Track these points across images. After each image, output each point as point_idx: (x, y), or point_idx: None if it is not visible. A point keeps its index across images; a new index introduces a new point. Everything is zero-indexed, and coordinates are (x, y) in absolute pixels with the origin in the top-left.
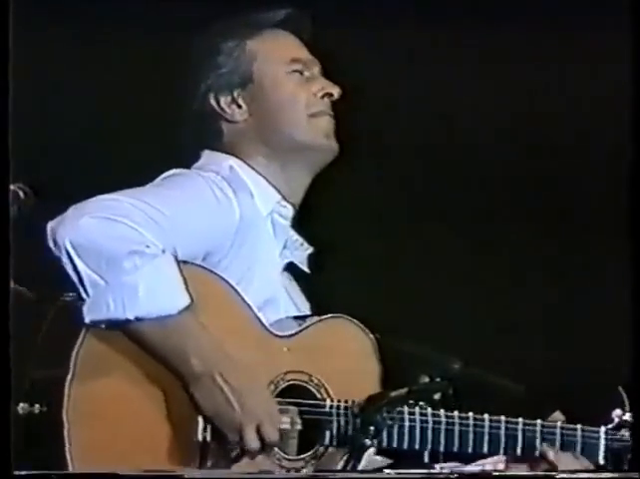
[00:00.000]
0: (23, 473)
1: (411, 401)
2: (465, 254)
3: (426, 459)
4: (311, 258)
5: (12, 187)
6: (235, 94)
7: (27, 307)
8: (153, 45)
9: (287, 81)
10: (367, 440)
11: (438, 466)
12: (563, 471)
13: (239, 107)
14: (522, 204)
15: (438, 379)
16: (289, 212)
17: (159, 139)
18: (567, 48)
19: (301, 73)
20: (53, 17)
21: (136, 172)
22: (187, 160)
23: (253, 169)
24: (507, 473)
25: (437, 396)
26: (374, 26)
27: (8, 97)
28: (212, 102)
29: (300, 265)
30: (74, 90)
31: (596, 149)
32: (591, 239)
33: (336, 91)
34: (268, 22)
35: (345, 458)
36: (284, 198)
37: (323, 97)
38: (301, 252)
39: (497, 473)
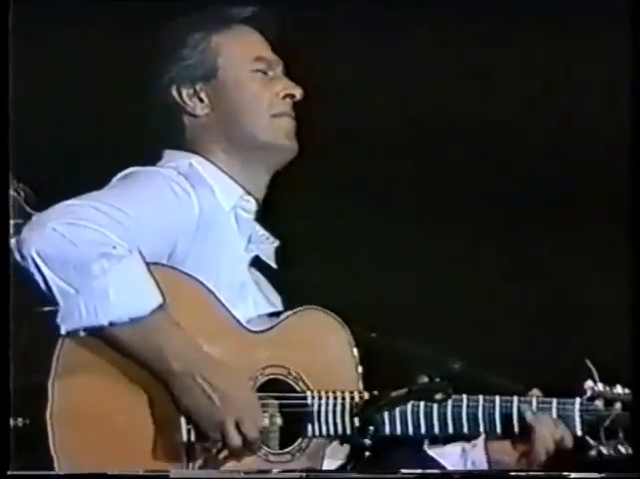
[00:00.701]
0: (17, 473)
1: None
2: (454, 251)
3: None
4: (282, 253)
5: (12, 187)
6: (197, 87)
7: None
8: (149, 40)
9: (250, 80)
10: (366, 440)
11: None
12: (564, 471)
13: (201, 101)
14: (522, 202)
15: (437, 379)
16: (252, 206)
17: (158, 137)
18: (566, 36)
19: (264, 72)
20: (53, 17)
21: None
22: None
23: (214, 164)
24: (508, 473)
25: (437, 396)
26: (338, 25)
27: (8, 97)
28: (174, 93)
29: (267, 260)
30: (74, 90)
31: (596, 145)
32: (590, 237)
33: (298, 92)
34: (235, 18)
35: (329, 449)
36: (247, 192)
37: (285, 97)
38: (267, 246)
39: (496, 472)
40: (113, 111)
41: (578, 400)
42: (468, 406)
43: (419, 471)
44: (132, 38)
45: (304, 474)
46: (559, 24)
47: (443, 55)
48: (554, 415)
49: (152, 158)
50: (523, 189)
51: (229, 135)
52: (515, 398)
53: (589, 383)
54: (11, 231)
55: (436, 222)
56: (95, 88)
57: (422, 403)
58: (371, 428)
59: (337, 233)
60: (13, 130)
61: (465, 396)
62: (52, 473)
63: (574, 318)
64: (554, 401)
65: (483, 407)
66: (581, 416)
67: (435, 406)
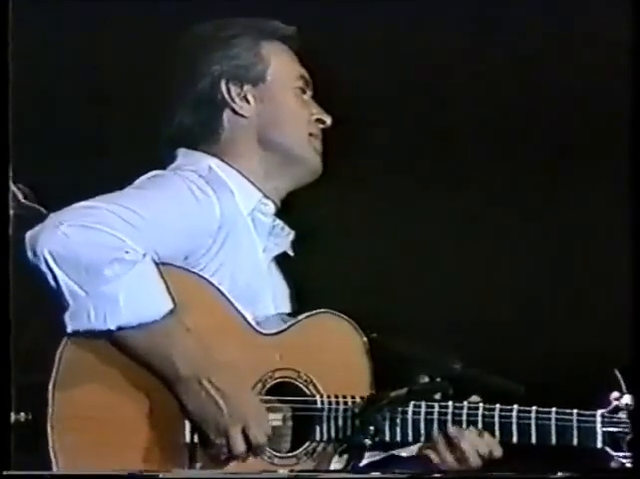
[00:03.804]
0: (15, 473)
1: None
2: (456, 250)
3: None
4: (302, 257)
5: (12, 187)
6: (245, 88)
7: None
8: (154, 41)
9: (294, 95)
10: (367, 440)
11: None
12: (565, 472)
13: (247, 102)
14: (522, 202)
15: (438, 379)
16: (271, 209)
17: (159, 137)
18: None
19: (303, 92)
20: (53, 16)
21: (136, 171)
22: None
23: (233, 168)
24: (504, 473)
25: (437, 396)
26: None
27: (8, 97)
28: (223, 88)
29: (287, 250)
30: (74, 90)
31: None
32: (591, 234)
33: (328, 119)
34: (278, 33)
35: (338, 454)
36: (265, 196)
37: (316, 121)
38: (283, 239)
39: (492, 473)
40: (114, 110)
41: (600, 412)
42: (473, 414)
43: (418, 471)
44: (132, 36)
45: (302, 474)
46: None
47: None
48: (574, 426)
49: (163, 156)
50: (522, 185)
51: (266, 142)
52: (534, 409)
53: (615, 394)
54: (10, 230)
55: (436, 222)
56: (95, 87)
57: (409, 411)
58: (371, 428)
59: (338, 232)
60: (13, 130)
61: (465, 404)
62: (49, 473)
63: (573, 306)
64: (574, 413)
65: (501, 416)
66: (603, 428)
67: (422, 414)
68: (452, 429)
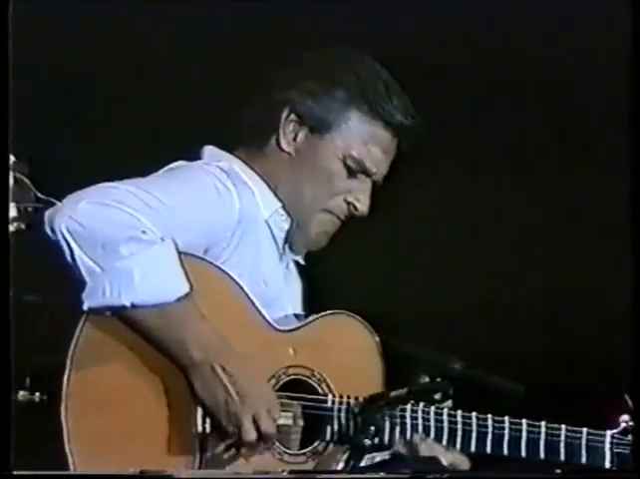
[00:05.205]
0: (21, 473)
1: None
2: (456, 249)
3: None
4: (312, 256)
5: (27, 181)
6: (301, 127)
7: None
8: (153, 39)
9: (334, 162)
10: (367, 440)
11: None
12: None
13: (294, 139)
14: (522, 203)
15: (438, 379)
16: (286, 224)
17: (159, 137)
18: None
19: (350, 171)
20: (54, 12)
21: (137, 171)
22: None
23: (256, 172)
24: (504, 473)
25: (437, 396)
26: None
27: (8, 95)
28: (284, 113)
29: (299, 259)
30: (75, 88)
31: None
32: (593, 237)
33: (362, 210)
34: (393, 122)
35: (346, 455)
36: (284, 206)
37: (348, 204)
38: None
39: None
40: (115, 110)
41: (609, 433)
42: (494, 427)
43: (412, 471)
44: (136, 33)
45: (302, 474)
46: None
47: None
48: (583, 446)
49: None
50: (524, 190)
51: (282, 183)
52: (543, 424)
53: (625, 417)
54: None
55: (435, 222)
56: (96, 85)
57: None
58: (372, 428)
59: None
60: (13, 128)
61: (490, 416)
62: (52, 473)
63: (578, 313)
64: (584, 432)
65: (510, 429)
66: (612, 449)
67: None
68: (416, 437)
